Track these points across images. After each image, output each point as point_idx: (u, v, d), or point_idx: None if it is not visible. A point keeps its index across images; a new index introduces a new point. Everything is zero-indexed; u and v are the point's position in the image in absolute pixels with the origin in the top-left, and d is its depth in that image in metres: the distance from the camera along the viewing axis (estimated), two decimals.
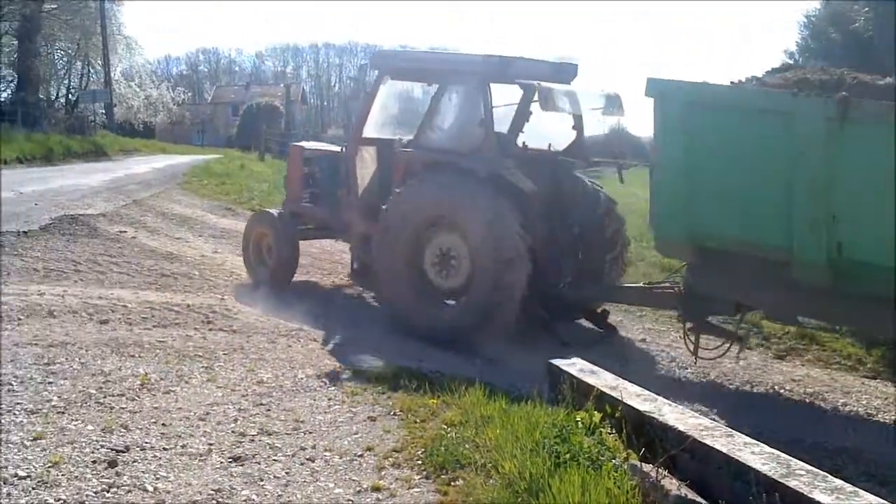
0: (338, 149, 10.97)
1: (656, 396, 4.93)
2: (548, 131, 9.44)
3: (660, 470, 4.19)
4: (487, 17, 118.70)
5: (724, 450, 3.99)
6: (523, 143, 9.58)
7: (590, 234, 9.19)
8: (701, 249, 7.62)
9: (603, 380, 5.27)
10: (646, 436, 4.41)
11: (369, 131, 10.22)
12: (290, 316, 8.76)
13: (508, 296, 8.20)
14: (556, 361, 5.68)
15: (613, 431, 4.69)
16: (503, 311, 8.24)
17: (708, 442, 4.10)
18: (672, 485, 4.34)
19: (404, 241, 8.93)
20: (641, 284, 9.08)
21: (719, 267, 7.58)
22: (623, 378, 5.34)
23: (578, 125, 9.48)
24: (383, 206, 9.18)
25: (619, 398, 4.77)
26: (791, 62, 7.43)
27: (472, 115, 8.96)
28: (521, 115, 9.61)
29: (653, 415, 4.55)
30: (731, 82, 8.12)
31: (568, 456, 4.23)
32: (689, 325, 8.22)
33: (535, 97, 8.84)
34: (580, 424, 4.65)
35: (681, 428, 4.30)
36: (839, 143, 6.56)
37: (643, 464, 4.34)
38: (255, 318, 8.60)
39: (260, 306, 9.16)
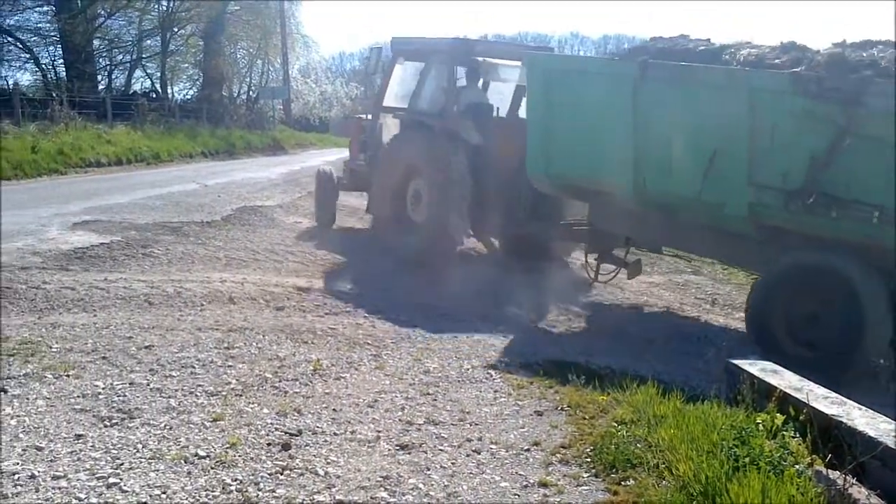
0: None
1: (845, 399, 4.59)
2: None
3: (848, 477, 3.88)
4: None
5: None
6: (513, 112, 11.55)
7: None
8: (561, 185, 9.67)
9: (786, 380, 4.96)
10: (833, 441, 4.12)
11: (388, 101, 12.56)
12: (455, 307, 8.77)
13: (454, 222, 10.46)
14: (736, 360, 5.40)
15: (797, 435, 4.38)
16: (451, 234, 10.56)
17: None
18: (861, 494, 4.00)
19: (389, 184, 11.47)
20: (566, 222, 10.81)
21: (606, 205, 9.26)
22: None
23: None
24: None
25: (804, 400, 4.47)
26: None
27: (441, 85, 11.27)
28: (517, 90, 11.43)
29: (841, 419, 4.24)
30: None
31: (747, 459, 4.00)
32: (594, 255, 10.41)
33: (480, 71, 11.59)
34: (761, 427, 4.39)
35: (872, 434, 3.98)
36: (641, 97, 8.30)
37: (829, 470, 4.03)
38: (420, 309, 8.66)
39: (425, 296, 9.22)
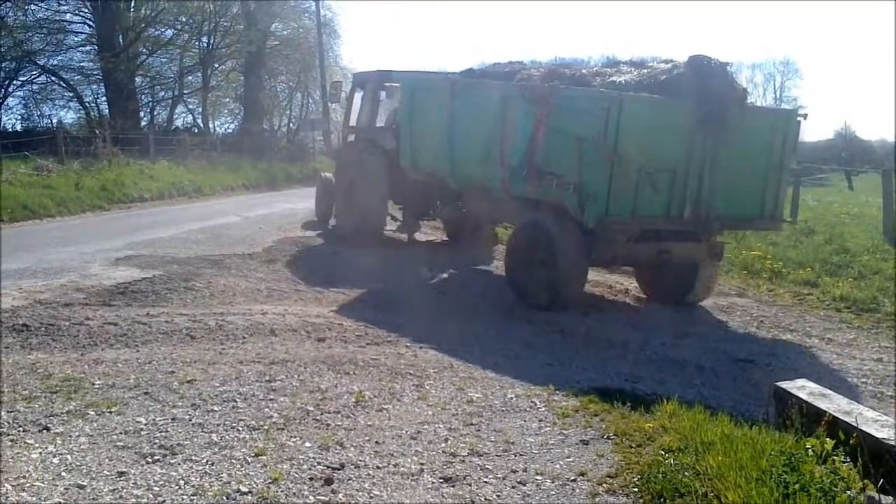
0: None
1: None
2: None
3: None
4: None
5: None
6: None
7: None
8: (420, 173, 12.88)
9: (836, 404, 4.81)
10: (885, 465, 3.98)
11: (353, 121, 16.62)
12: (497, 335, 8.68)
13: (375, 205, 14.65)
14: (784, 384, 5.25)
15: (848, 460, 4.24)
16: (372, 215, 14.66)
17: None
18: None
19: (343, 184, 15.41)
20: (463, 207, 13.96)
21: (449, 189, 12.86)
22: None
23: None
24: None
25: (854, 424, 4.33)
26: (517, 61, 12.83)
27: (367, 106, 15.78)
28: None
29: (892, 443, 4.11)
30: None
31: (797, 486, 3.87)
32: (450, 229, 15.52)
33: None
34: (811, 452, 4.26)
35: None
36: (453, 106, 11.43)
37: (882, 496, 3.88)
38: (463, 336, 8.57)
39: (468, 324, 9.14)
